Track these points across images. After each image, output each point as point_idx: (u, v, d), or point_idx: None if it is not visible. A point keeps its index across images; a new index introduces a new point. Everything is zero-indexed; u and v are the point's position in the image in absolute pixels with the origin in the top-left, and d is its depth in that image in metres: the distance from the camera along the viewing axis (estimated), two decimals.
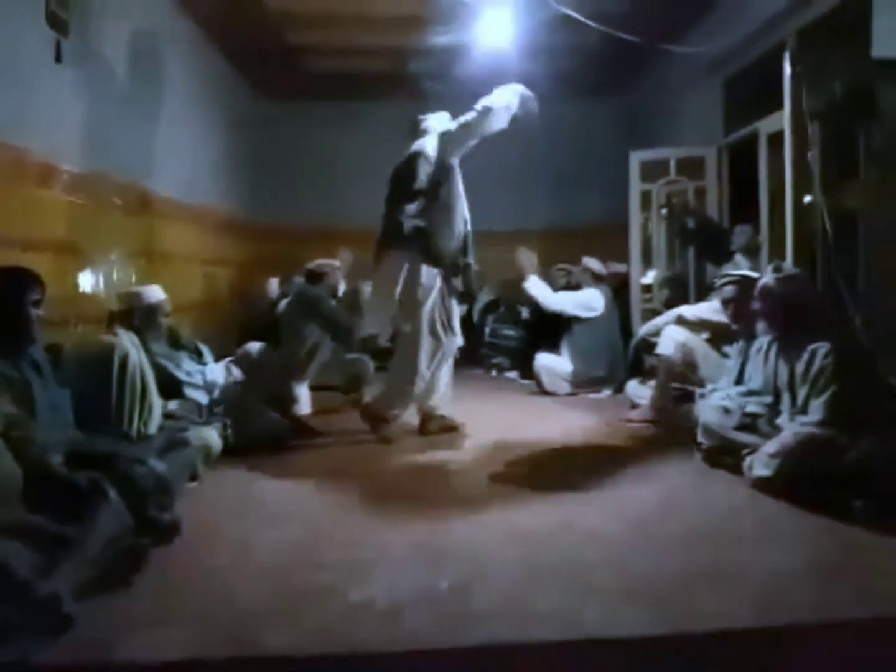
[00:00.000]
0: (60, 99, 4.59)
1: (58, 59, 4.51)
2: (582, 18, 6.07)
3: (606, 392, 6.67)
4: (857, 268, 4.62)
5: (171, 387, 4.45)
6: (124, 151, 5.47)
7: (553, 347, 6.95)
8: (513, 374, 7.88)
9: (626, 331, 6.97)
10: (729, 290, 4.52)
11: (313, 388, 5.65)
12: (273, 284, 8.36)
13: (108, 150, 5.17)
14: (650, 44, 6.67)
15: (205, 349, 4.88)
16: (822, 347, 3.55)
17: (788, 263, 4.25)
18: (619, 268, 7.68)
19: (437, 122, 5.00)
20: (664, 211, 7.20)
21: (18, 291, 3.25)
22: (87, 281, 4.81)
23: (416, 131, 5.02)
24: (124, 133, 5.50)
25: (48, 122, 4.45)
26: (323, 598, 2.45)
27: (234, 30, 7.24)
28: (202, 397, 4.58)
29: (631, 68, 8.54)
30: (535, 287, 6.79)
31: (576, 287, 7.22)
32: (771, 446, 3.56)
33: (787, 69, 4.46)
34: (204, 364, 4.76)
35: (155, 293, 4.49)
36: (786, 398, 3.80)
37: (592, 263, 6.98)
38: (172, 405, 4.37)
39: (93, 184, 4.93)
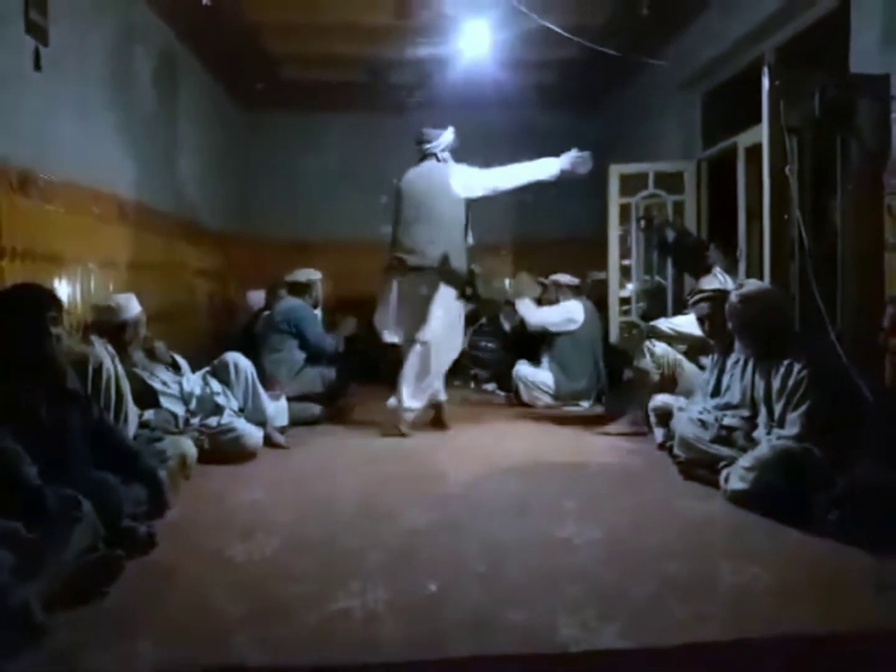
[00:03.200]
0: (38, 107, 4.54)
1: (37, 66, 4.47)
2: (562, 31, 6.08)
3: (584, 405, 6.67)
4: (835, 282, 4.64)
5: (146, 396, 4.44)
6: (101, 161, 5.43)
7: (533, 359, 6.96)
8: (491, 386, 7.87)
9: (605, 343, 6.99)
10: (703, 308, 4.54)
11: (291, 399, 5.62)
12: (255, 296, 8.26)
13: (85, 159, 5.13)
14: (629, 58, 6.70)
15: (182, 361, 4.85)
16: (798, 362, 3.57)
17: (754, 281, 4.26)
18: (600, 275, 7.68)
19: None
20: (642, 223, 7.20)
21: (34, 313, 3.17)
22: (64, 290, 4.76)
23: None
24: (102, 142, 5.47)
25: (25, 131, 4.41)
26: (297, 608, 2.44)
27: (212, 38, 7.18)
28: (178, 407, 4.56)
29: (610, 82, 8.57)
30: (524, 307, 6.89)
31: (554, 302, 7.22)
32: (747, 460, 3.58)
33: (766, 84, 4.49)
34: (181, 375, 4.74)
35: (131, 305, 4.44)
36: (762, 412, 3.83)
37: (561, 278, 7.01)
38: (148, 414, 4.35)
39: (70, 193, 4.89)
